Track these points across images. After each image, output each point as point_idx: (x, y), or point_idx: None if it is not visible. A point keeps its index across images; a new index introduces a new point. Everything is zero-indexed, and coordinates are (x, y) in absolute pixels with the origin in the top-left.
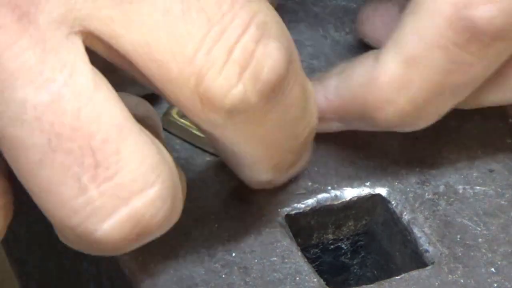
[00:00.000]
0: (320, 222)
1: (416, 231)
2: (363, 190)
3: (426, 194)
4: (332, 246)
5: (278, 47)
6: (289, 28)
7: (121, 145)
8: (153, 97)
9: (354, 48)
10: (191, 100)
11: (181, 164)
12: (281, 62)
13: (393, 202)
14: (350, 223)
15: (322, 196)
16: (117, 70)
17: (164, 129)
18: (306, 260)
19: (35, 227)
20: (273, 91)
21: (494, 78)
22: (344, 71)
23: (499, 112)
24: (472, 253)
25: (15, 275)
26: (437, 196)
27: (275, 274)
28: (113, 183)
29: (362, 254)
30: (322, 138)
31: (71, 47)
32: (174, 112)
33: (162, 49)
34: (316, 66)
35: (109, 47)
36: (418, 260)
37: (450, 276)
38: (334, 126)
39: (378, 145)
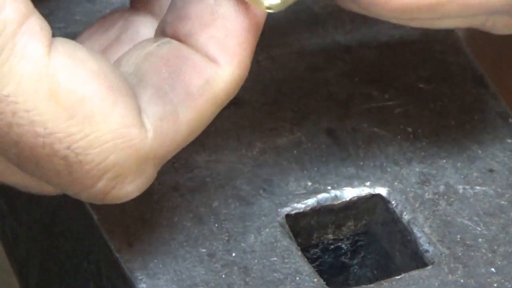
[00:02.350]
0: (320, 222)
1: (416, 231)
2: (363, 190)
3: (426, 194)
4: (332, 246)
5: (132, 189)
6: (288, 28)
7: None
8: None
9: (354, 48)
10: None
11: (181, 163)
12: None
13: (393, 202)
14: (350, 223)
15: (322, 196)
16: None
17: None
18: (306, 260)
19: (35, 227)
20: None
21: None
22: None
23: (499, 112)
24: (472, 253)
25: (15, 275)
26: (437, 196)
27: (275, 274)
28: None
29: (362, 254)
30: (321, 138)
31: None
32: None
33: None
34: (315, 66)
35: None
36: (418, 260)
37: (450, 276)
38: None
39: (378, 145)
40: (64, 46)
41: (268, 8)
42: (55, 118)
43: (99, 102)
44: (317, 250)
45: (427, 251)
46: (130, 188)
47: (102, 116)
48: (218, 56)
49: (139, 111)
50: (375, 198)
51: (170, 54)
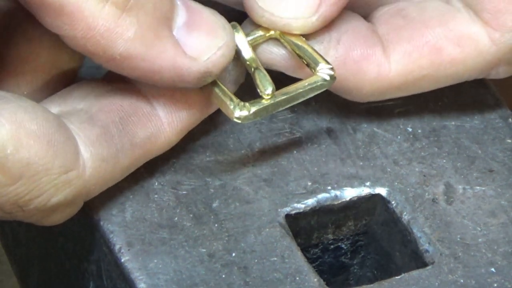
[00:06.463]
0: (320, 222)
1: (416, 231)
2: (363, 190)
3: (426, 194)
4: (332, 246)
5: (60, 218)
6: None
7: None
8: None
9: None
10: None
11: (181, 163)
12: None
13: (393, 202)
14: (350, 223)
15: (322, 196)
16: None
17: None
18: (306, 260)
19: (35, 227)
20: None
21: None
22: None
23: (499, 112)
24: (472, 253)
25: (15, 275)
26: (437, 196)
27: (275, 274)
28: None
29: (362, 254)
30: (321, 138)
31: None
32: None
33: None
34: None
35: None
36: (418, 260)
37: (450, 276)
38: None
39: (378, 145)
40: (4, 113)
41: (237, 118)
42: (4, 185)
43: (41, 161)
44: (317, 250)
45: (427, 251)
46: (58, 217)
47: (44, 171)
48: (164, 117)
49: (77, 151)
50: (375, 198)
51: (125, 100)
